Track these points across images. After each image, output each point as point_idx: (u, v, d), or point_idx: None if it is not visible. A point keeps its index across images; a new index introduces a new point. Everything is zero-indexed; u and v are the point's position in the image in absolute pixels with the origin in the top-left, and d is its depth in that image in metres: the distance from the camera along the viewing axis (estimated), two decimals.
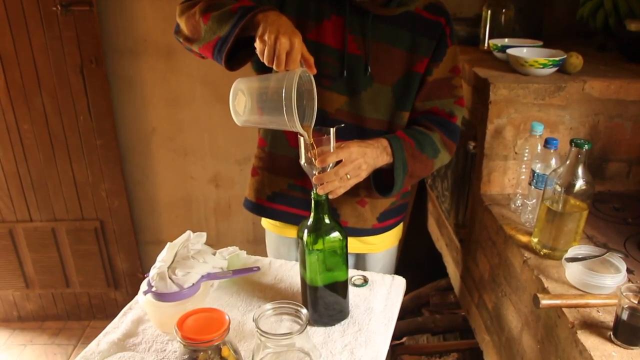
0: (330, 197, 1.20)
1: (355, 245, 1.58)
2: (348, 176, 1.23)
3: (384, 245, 1.65)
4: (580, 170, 1.24)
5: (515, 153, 1.64)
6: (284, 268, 1.45)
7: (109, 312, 3.08)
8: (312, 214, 1.16)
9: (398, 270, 1.67)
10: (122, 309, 1.33)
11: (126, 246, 2.94)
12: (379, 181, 1.42)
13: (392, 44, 1.38)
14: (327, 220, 1.16)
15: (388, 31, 1.38)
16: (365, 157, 1.26)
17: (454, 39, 1.44)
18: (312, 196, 1.15)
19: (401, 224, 1.70)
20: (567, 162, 1.25)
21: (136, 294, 1.29)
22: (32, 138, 2.66)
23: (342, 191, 1.24)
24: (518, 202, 1.57)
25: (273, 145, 1.53)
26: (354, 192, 1.46)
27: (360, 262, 1.67)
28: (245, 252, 1.46)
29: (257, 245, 2.92)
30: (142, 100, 2.64)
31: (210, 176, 2.79)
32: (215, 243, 2.86)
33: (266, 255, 1.65)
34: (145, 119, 2.67)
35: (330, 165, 1.21)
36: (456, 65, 1.46)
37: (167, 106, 2.64)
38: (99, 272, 2.98)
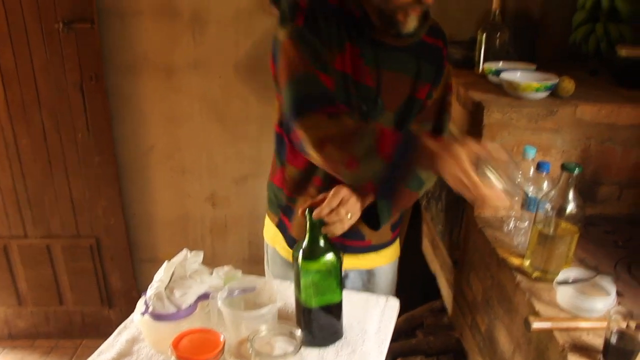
0: (330, 236, 1.23)
1: (374, 259, 1.64)
2: (349, 216, 1.25)
3: (394, 254, 1.71)
4: (571, 194, 1.26)
5: None
6: (280, 288, 1.46)
7: (102, 330, 3.06)
8: (306, 236, 1.18)
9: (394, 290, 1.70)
10: (116, 327, 1.34)
11: (121, 264, 2.93)
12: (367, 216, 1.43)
13: (401, 71, 1.40)
14: (321, 243, 1.18)
15: (397, 58, 1.39)
16: (355, 194, 1.28)
17: (447, 57, 1.47)
18: (307, 218, 1.17)
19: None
20: (558, 186, 1.27)
21: (130, 312, 1.30)
22: (30, 154, 2.67)
23: (341, 231, 1.26)
24: (511, 224, 1.59)
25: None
26: None
27: (371, 277, 1.69)
28: (240, 271, 1.47)
29: (252, 264, 2.93)
30: (140, 118, 2.65)
31: (207, 194, 2.80)
32: (211, 262, 2.84)
33: (262, 274, 1.66)
34: (144, 136, 2.69)
35: None
36: (449, 82, 1.50)
37: (165, 124, 2.66)
38: (93, 290, 2.97)
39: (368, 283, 1.68)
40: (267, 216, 1.68)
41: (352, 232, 1.51)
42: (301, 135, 1.25)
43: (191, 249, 1.37)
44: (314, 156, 1.27)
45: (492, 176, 1.15)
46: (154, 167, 2.76)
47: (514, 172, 1.18)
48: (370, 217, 1.40)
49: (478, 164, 1.14)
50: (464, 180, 1.11)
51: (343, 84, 1.33)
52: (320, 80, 1.26)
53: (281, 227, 1.60)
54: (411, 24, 1.32)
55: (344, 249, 1.55)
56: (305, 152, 1.30)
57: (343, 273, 1.59)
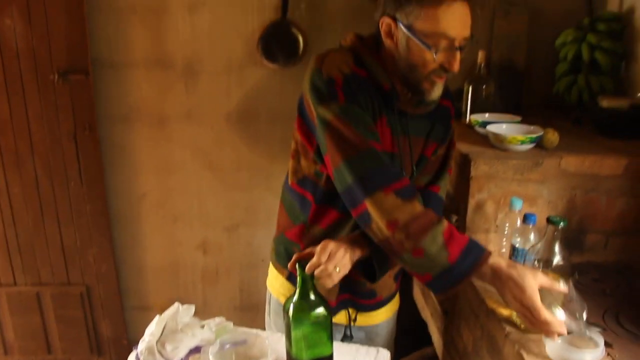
0: (320, 289, 1.24)
1: (381, 313, 1.64)
2: (337, 269, 1.26)
3: (396, 304, 1.72)
4: (557, 247, 1.29)
5: (497, 226, 1.69)
6: (271, 341, 1.46)
7: None
8: (297, 290, 1.20)
9: None
10: None
11: (112, 311, 2.91)
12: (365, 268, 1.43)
13: (419, 134, 1.44)
14: (312, 296, 1.20)
15: (416, 124, 1.43)
16: (343, 247, 1.30)
17: (454, 115, 1.53)
18: (298, 272, 1.19)
19: None
20: (544, 239, 1.30)
21: None
22: (22, 202, 2.68)
23: (331, 284, 1.27)
24: None
25: None
26: None
27: (374, 328, 1.68)
28: (232, 323, 1.48)
29: (243, 311, 2.92)
30: (133, 167, 2.68)
31: (198, 242, 2.81)
32: (202, 309, 2.85)
33: (254, 322, 1.66)
34: (136, 184, 2.71)
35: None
36: (453, 140, 1.54)
37: (157, 173, 2.69)
38: (83, 338, 2.93)
39: (371, 333, 1.68)
40: (272, 267, 1.67)
41: (366, 292, 1.55)
42: (372, 214, 1.24)
43: (182, 296, 1.38)
44: (380, 234, 1.26)
45: (557, 311, 1.20)
46: (145, 214, 2.77)
47: (579, 310, 1.24)
48: (366, 268, 1.41)
49: (544, 295, 1.19)
50: (530, 309, 1.16)
51: None
52: (379, 154, 1.28)
53: (294, 279, 1.60)
54: (436, 92, 1.36)
55: (358, 307, 1.58)
56: (368, 227, 1.28)
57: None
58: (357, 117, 1.29)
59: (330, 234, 1.46)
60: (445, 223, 1.24)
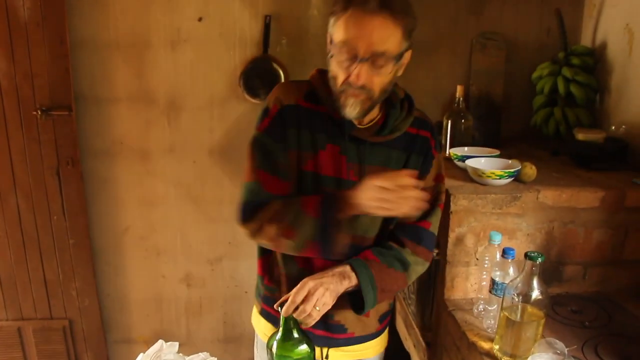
0: (302, 327, 1.25)
1: (360, 352, 1.61)
2: (317, 308, 1.26)
3: (381, 346, 1.68)
4: (535, 282, 1.31)
5: (477, 259, 1.71)
6: None
7: None
8: (281, 328, 1.21)
9: None
10: None
11: (95, 345, 2.88)
12: (355, 300, 1.42)
13: (386, 165, 1.43)
14: (295, 334, 1.21)
15: (382, 153, 1.42)
16: (323, 285, 1.29)
17: (438, 147, 1.50)
18: (281, 311, 1.20)
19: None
20: (523, 274, 1.32)
21: None
22: (4, 236, 2.65)
23: (312, 322, 1.27)
24: (480, 306, 1.63)
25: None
26: None
27: None
28: (216, 358, 1.48)
29: (227, 343, 2.90)
30: (116, 200, 2.68)
31: (181, 275, 2.80)
32: (186, 342, 2.84)
33: (237, 355, 1.65)
34: (119, 218, 2.71)
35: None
36: (440, 173, 1.51)
37: (140, 206, 2.69)
38: None
39: None
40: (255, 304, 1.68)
41: (335, 326, 1.52)
42: (246, 234, 1.39)
43: (166, 329, 1.38)
44: (260, 241, 1.40)
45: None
46: (129, 248, 2.76)
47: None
48: (356, 301, 1.40)
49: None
50: (380, 195, 1.23)
51: (312, 183, 1.39)
52: (262, 190, 1.37)
53: (265, 314, 1.60)
54: (352, 109, 1.32)
55: (329, 342, 1.56)
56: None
57: None
58: (265, 149, 1.38)
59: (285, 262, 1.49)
60: (298, 196, 1.36)
